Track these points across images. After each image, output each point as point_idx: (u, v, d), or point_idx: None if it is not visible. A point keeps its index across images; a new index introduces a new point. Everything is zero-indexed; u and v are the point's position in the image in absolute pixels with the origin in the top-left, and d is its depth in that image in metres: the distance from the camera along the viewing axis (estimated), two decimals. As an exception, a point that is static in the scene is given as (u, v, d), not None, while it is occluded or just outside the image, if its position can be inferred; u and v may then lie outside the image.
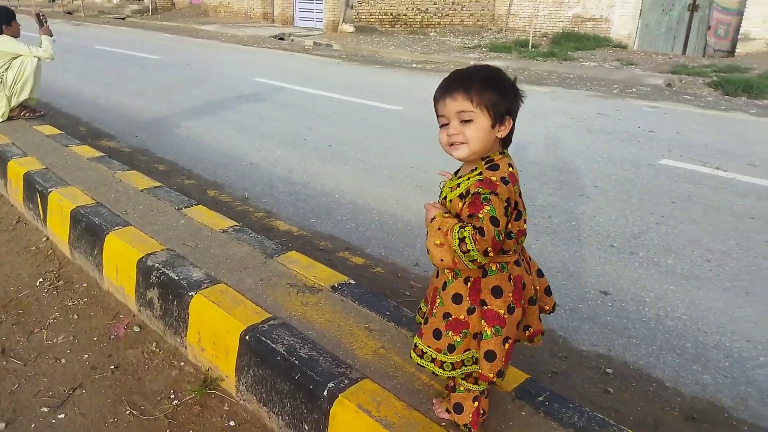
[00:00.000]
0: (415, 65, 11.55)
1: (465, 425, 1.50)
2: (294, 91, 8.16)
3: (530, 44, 13.40)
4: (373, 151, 5.25)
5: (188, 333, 2.07)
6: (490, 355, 1.39)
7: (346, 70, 10.69)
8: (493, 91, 1.36)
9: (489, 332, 1.39)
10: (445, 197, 1.46)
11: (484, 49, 13.48)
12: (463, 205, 1.37)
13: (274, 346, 1.75)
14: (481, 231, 1.29)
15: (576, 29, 15.37)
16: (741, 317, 2.65)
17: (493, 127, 1.38)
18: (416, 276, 2.95)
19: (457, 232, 1.31)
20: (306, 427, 1.64)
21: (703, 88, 9.42)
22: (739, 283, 2.96)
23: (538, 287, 1.53)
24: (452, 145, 1.40)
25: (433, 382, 1.64)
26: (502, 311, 1.39)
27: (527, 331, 1.53)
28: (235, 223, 2.70)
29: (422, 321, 1.62)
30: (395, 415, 1.52)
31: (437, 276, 1.50)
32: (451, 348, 1.42)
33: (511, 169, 1.39)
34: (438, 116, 1.43)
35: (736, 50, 12.97)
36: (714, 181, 4.56)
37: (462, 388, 1.49)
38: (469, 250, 1.29)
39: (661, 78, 9.81)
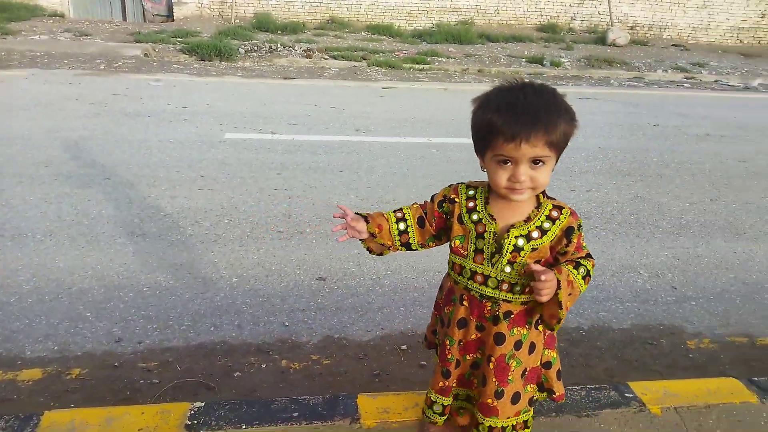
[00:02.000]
0: None
1: None
2: None
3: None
4: None
5: None
6: (559, 374, 1.38)
7: None
8: (569, 126, 1.17)
9: (555, 355, 1.35)
10: (516, 249, 1.23)
11: None
12: (563, 245, 1.24)
13: None
14: (590, 257, 1.26)
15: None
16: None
17: (556, 162, 1.22)
18: (136, 351, 2.19)
19: (580, 273, 1.21)
20: None
21: (179, 55, 9.76)
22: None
23: None
24: (515, 189, 1.19)
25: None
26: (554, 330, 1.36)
27: None
28: None
29: (447, 416, 1.40)
30: None
31: (482, 351, 1.31)
32: (531, 401, 1.32)
33: None
34: (493, 152, 1.17)
35: (174, 14, 13.77)
36: (285, 145, 4.99)
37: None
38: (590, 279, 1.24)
39: (137, 48, 9.55)
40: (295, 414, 1.49)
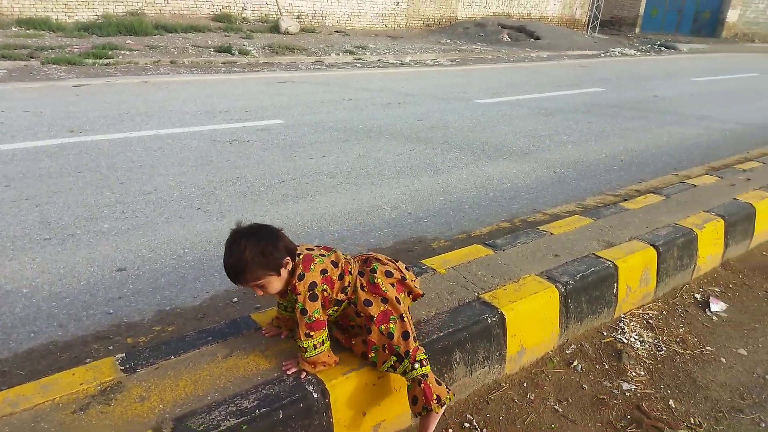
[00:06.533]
0: None
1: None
2: None
3: None
4: None
5: None
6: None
7: None
8: (262, 269, 1.58)
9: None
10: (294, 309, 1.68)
11: None
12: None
13: None
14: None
15: None
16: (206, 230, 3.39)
17: (279, 274, 1.62)
18: (-45, 380, 2.00)
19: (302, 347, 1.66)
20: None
21: None
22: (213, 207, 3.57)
23: None
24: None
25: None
26: None
27: None
28: None
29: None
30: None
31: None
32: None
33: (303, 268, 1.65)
34: None
35: None
36: (82, 147, 4.41)
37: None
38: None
39: None
40: (209, 338, 1.75)
